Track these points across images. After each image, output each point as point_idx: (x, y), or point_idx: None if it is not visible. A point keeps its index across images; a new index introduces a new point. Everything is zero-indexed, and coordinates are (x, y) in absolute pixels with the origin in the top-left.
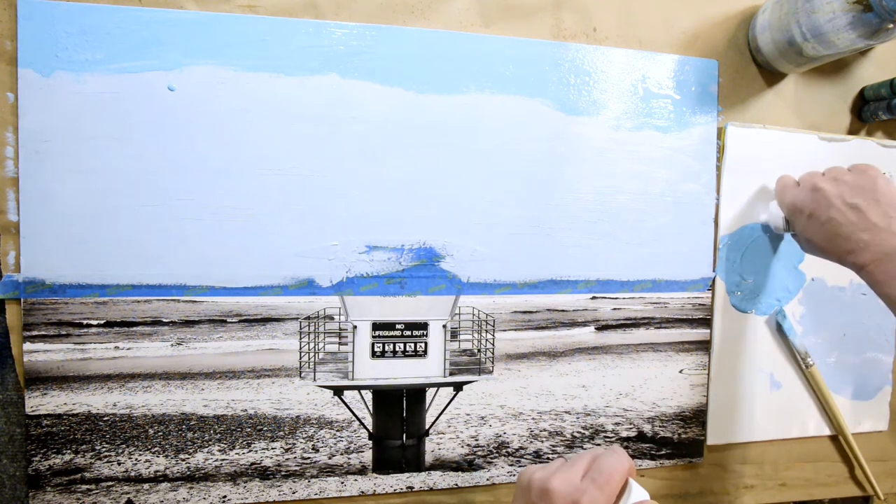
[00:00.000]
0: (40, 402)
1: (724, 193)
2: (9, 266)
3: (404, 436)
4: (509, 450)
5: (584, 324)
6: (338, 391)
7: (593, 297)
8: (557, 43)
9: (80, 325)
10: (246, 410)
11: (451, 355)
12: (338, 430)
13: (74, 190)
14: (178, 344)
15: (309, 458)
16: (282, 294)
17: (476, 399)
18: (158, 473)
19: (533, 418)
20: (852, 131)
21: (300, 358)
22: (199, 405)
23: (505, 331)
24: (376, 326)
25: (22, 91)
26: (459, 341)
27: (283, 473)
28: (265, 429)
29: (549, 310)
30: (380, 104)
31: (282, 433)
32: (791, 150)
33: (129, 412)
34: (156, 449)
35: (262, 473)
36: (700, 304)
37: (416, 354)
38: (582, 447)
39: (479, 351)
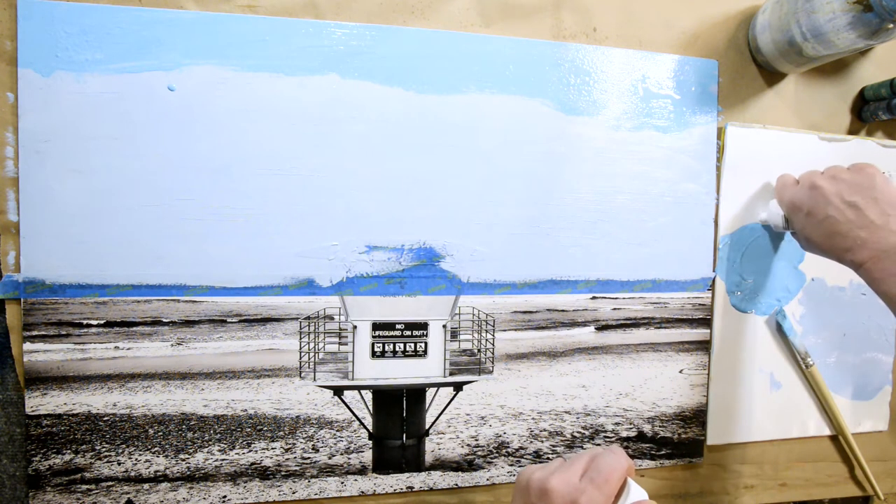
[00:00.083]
0: (40, 402)
1: (724, 193)
2: (9, 266)
3: (404, 436)
4: (509, 450)
5: (584, 324)
6: (338, 391)
7: (593, 297)
8: (557, 43)
9: (80, 325)
10: (246, 410)
11: (451, 355)
12: (338, 430)
13: (74, 190)
14: (178, 344)
15: (309, 458)
16: (282, 294)
17: (476, 399)
18: (158, 473)
19: (533, 418)
20: (852, 131)
21: (300, 358)
22: (199, 405)
23: (505, 331)
24: (376, 326)
25: (22, 91)
26: (459, 341)
27: (283, 473)
28: (265, 429)
29: (549, 310)
30: (380, 104)
31: (282, 433)
32: (791, 150)
33: (129, 412)
34: (156, 449)
35: (262, 473)
36: (700, 304)
37: (416, 354)
38: (582, 447)
39: (479, 351)
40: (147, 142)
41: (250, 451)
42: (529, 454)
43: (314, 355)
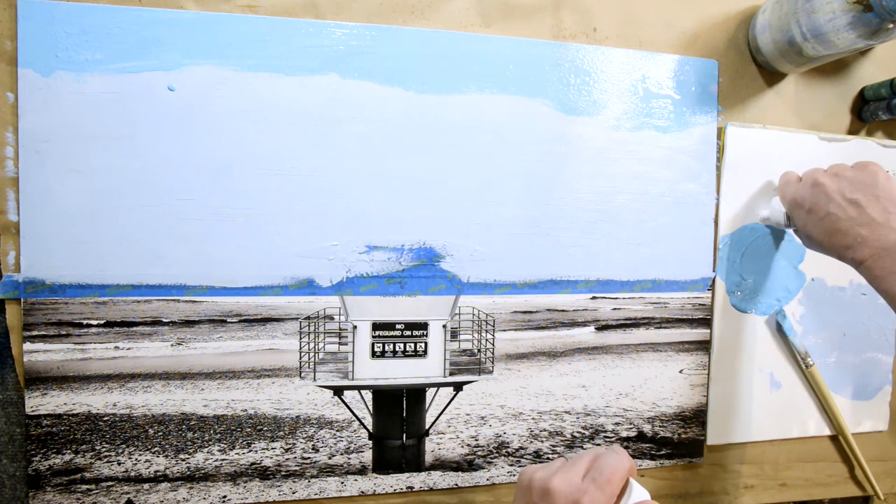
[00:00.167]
0: (40, 402)
1: (724, 193)
2: (9, 266)
3: (404, 436)
4: (509, 450)
5: (584, 324)
6: (338, 391)
7: (593, 297)
8: (557, 43)
9: (80, 325)
10: (246, 410)
11: (451, 355)
12: (338, 430)
13: (74, 190)
14: (178, 344)
15: (309, 458)
16: (282, 294)
17: (476, 399)
18: (158, 473)
19: (533, 418)
20: (852, 131)
21: (300, 358)
22: (199, 405)
23: (505, 331)
24: (376, 326)
25: (22, 91)
26: (459, 341)
27: (283, 473)
28: (265, 429)
29: (549, 310)
30: (380, 104)
31: (282, 433)
32: (791, 150)
33: (129, 412)
34: (156, 449)
35: (262, 473)
36: (700, 304)
37: (416, 354)
38: (582, 447)
39: (479, 351)
40: (147, 142)
41: (250, 451)
42: (529, 454)
43: (314, 355)
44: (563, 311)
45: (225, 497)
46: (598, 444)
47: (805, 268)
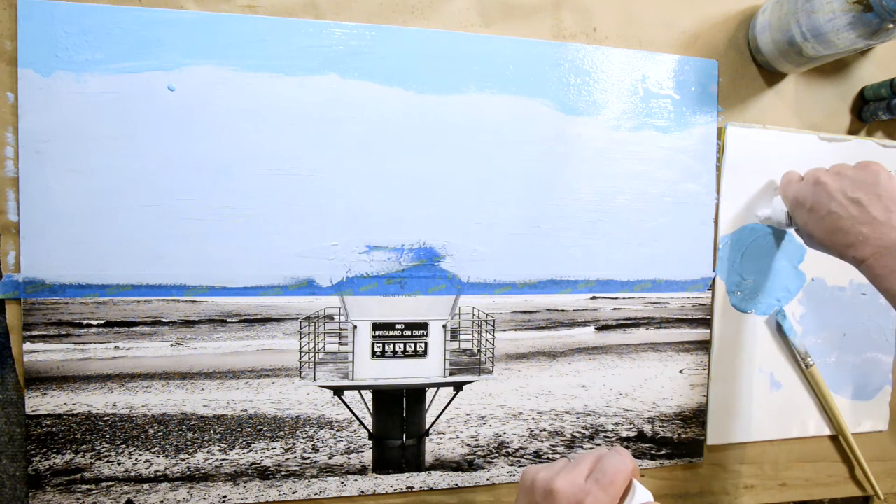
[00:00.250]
0: (40, 402)
1: (724, 193)
2: (9, 266)
3: (404, 436)
4: (509, 450)
5: (584, 324)
6: (338, 391)
7: (593, 297)
8: (557, 43)
9: (80, 325)
10: (246, 410)
11: (451, 355)
12: (338, 430)
13: (74, 190)
14: (178, 344)
15: (309, 458)
16: (282, 294)
17: (476, 399)
18: (158, 473)
19: (533, 418)
20: (852, 131)
21: (300, 358)
22: (199, 405)
23: (505, 331)
24: (376, 326)
25: (22, 91)
26: (459, 341)
27: (283, 473)
28: (265, 429)
29: (549, 310)
30: (380, 104)
31: (282, 433)
32: (791, 150)
33: (129, 412)
34: (156, 449)
35: (262, 473)
36: (700, 304)
37: (416, 354)
38: (582, 447)
39: (479, 351)
40: (147, 142)
41: (250, 451)
42: (529, 454)
43: (314, 355)
44: (563, 311)
45: (225, 497)
46: (599, 444)
47: (805, 268)
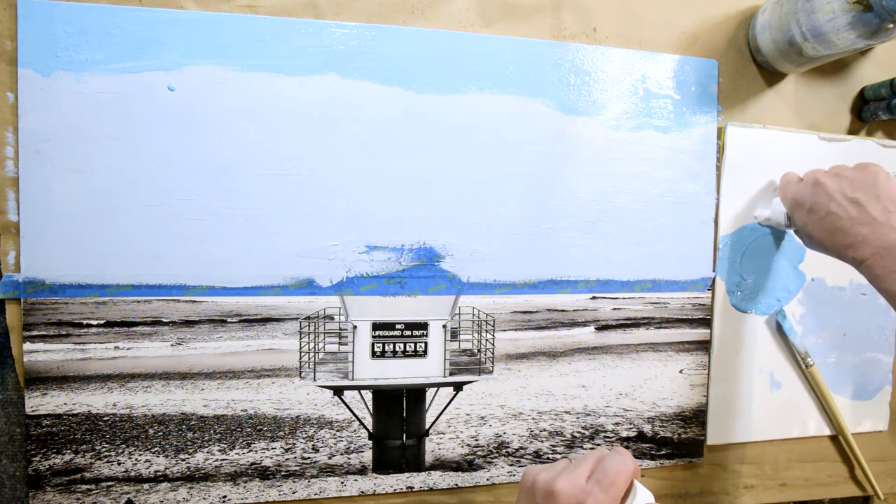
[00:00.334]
0: (40, 402)
1: (724, 193)
2: (9, 266)
3: (404, 436)
4: (509, 450)
5: (584, 324)
6: (338, 391)
7: (593, 297)
8: (557, 43)
9: (80, 325)
10: (246, 410)
11: (451, 355)
12: (338, 430)
13: (74, 190)
14: (178, 344)
15: (309, 458)
16: (282, 294)
17: (476, 399)
18: (158, 473)
19: (533, 418)
20: (852, 131)
21: (300, 358)
22: (199, 405)
23: (505, 331)
24: (376, 326)
25: (22, 91)
26: (459, 341)
27: (283, 473)
28: (265, 429)
29: (549, 310)
30: (380, 104)
31: (282, 433)
32: (791, 150)
33: (129, 412)
34: (156, 449)
35: (262, 473)
36: (700, 304)
37: (416, 354)
38: (582, 447)
39: (479, 351)
40: (147, 142)
41: (250, 451)
42: (529, 454)
43: (314, 355)
44: (563, 311)
45: (225, 497)
46: (599, 445)
47: (805, 268)
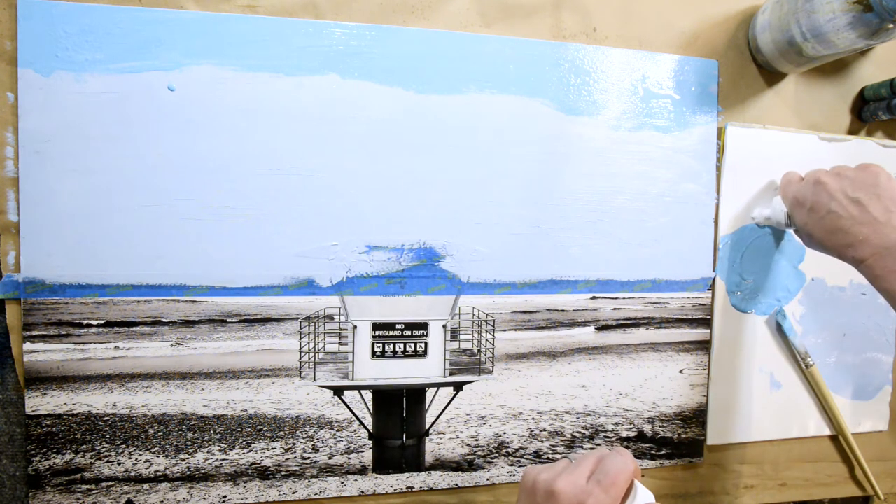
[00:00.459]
0: (40, 402)
1: (724, 193)
2: (9, 266)
3: (404, 436)
4: (509, 450)
5: (584, 324)
6: (338, 391)
7: (593, 297)
8: (557, 43)
9: (80, 325)
10: (246, 410)
11: (451, 355)
12: (338, 430)
13: (74, 190)
14: (178, 344)
15: (309, 458)
16: (282, 294)
17: (476, 399)
18: (158, 473)
19: (533, 418)
20: (852, 131)
21: (300, 358)
22: (199, 405)
23: (505, 331)
24: (376, 326)
25: (22, 91)
26: (459, 341)
27: (283, 473)
28: (265, 429)
29: (549, 310)
30: (380, 104)
31: (282, 433)
32: (791, 150)
33: (129, 412)
34: (156, 449)
35: (262, 473)
36: (700, 304)
37: (416, 354)
38: (582, 447)
39: (479, 351)
40: (147, 142)
41: (250, 451)
42: (529, 454)
43: (314, 355)
44: (563, 311)
45: (225, 497)
46: (599, 445)
47: (805, 268)
